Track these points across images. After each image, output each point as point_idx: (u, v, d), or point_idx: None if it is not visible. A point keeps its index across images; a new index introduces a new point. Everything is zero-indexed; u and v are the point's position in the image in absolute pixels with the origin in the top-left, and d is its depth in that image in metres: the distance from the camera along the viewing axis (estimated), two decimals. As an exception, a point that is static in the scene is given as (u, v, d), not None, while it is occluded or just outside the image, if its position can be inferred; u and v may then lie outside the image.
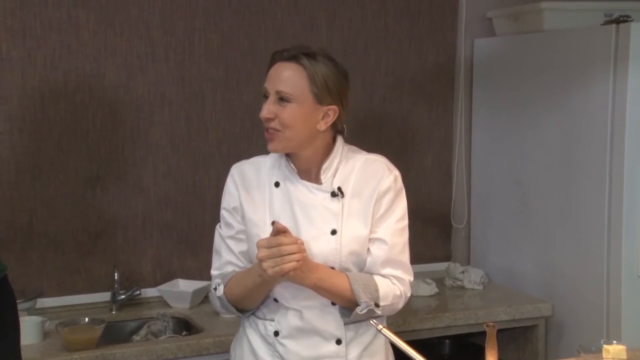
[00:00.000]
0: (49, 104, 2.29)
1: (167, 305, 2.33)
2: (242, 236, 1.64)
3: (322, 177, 1.62)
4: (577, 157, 2.33)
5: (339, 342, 1.59)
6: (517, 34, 2.61)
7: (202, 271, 2.41)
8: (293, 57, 1.56)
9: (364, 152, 1.68)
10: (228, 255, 1.64)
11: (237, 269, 1.62)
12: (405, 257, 1.64)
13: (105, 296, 2.31)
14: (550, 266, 2.42)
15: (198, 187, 2.48)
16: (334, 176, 1.63)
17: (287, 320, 1.60)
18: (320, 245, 1.60)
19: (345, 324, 1.59)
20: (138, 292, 2.31)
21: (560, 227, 2.41)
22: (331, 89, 1.58)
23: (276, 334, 1.62)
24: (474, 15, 2.72)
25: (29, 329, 2.01)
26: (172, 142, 2.43)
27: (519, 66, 2.57)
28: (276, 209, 1.63)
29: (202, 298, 2.33)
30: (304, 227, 1.61)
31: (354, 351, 1.58)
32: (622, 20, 2.20)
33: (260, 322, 1.67)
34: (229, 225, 1.64)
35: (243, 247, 1.64)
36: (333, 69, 1.60)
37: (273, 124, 1.55)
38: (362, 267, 1.62)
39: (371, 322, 1.45)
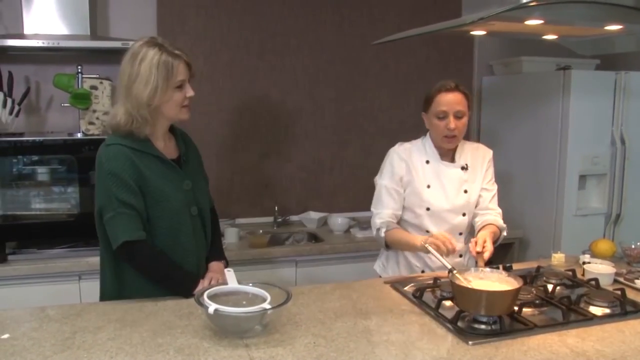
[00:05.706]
0: (244, 111, 2.76)
1: (304, 225, 2.85)
2: (400, 192, 1.76)
3: (456, 157, 1.80)
4: (540, 152, 2.70)
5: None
6: (507, 74, 3.02)
7: (323, 207, 2.94)
8: (456, 88, 1.71)
9: (465, 140, 1.83)
10: (391, 203, 1.75)
11: (395, 213, 1.75)
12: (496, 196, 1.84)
13: (271, 219, 2.86)
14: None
15: (320, 160, 2.90)
16: (460, 156, 1.80)
17: None
18: (459, 200, 1.78)
19: (465, 243, 1.78)
20: (288, 217, 2.86)
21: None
22: (472, 102, 1.71)
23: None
24: (482, 62, 3.18)
25: (230, 234, 2.48)
26: (308, 134, 2.92)
27: (508, 93, 2.92)
28: (427, 178, 1.78)
29: (323, 222, 2.84)
30: (449, 190, 1.76)
31: (462, 254, 1.82)
32: (566, 68, 2.70)
33: None
34: (395, 182, 1.76)
35: (401, 200, 1.76)
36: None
37: (455, 132, 1.71)
38: (473, 209, 1.79)
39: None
